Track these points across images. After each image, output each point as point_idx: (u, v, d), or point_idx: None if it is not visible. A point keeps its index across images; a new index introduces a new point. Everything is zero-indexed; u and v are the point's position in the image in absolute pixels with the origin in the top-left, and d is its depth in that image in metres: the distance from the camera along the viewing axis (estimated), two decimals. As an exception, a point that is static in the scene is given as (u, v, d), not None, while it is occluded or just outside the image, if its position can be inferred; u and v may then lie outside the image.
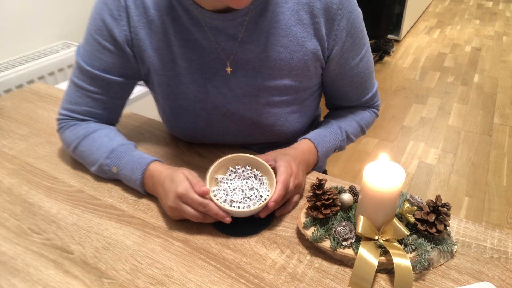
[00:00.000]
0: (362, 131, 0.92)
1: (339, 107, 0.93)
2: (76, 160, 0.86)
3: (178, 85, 0.80)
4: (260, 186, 0.71)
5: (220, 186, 0.71)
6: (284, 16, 0.74)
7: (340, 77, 0.83)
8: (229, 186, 0.70)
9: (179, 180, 0.68)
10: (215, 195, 0.68)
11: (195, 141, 0.91)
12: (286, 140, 0.89)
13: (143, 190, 0.76)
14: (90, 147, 0.80)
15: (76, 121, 0.84)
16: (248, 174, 0.72)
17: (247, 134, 0.85)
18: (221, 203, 0.66)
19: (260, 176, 0.72)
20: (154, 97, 0.90)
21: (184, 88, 0.80)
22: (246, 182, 0.71)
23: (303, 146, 0.80)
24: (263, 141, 0.87)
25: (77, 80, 0.81)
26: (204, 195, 0.66)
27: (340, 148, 0.87)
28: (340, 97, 0.90)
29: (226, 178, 0.72)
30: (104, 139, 0.80)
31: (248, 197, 0.68)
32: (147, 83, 0.87)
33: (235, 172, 0.73)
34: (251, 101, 0.80)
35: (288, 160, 0.72)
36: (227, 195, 0.69)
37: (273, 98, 0.80)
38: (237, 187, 0.70)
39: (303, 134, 0.91)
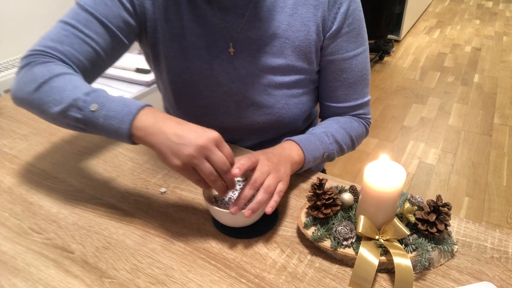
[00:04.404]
0: (351, 140, 0.86)
1: (330, 111, 0.90)
2: (77, 160, 0.86)
3: (184, 60, 0.81)
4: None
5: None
6: None
7: (329, 66, 0.83)
8: (226, 202, 0.69)
9: (209, 131, 0.60)
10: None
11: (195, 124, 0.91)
12: (284, 127, 0.89)
13: (129, 126, 0.61)
14: (65, 84, 0.65)
15: (53, 59, 0.70)
16: (243, 185, 0.72)
17: (246, 115, 0.86)
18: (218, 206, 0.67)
19: None
20: (157, 76, 0.91)
21: (189, 63, 0.81)
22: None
23: (283, 144, 0.77)
24: (261, 125, 0.87)
25: (68, 19, 0.73)
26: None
27: (329, 153, 0.81)
28: (329, 94, 0.88)
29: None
30: (86, 84, 0.67)
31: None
32: (152, 58, 0.86)
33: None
34: (253, 81, 0.82)
35: (266, 152, 0.70)
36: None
37: (275, 79, 0.81)
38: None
39: (301, 123, 0.92)
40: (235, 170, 0.61)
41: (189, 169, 0.59)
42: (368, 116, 0.91)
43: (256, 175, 0.64)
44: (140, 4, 0.79)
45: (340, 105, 0.88)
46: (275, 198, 0.64)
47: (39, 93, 0.66)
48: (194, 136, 0.58)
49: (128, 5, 0.77)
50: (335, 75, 0.84)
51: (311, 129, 0.84)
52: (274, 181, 0.64)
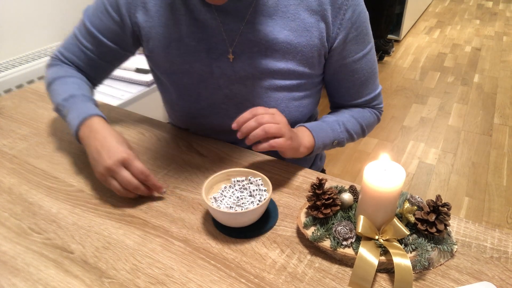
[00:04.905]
0: (362, 129, 0.91)
1: (341, 106, 0.93)
2: (77, 160, 0.86)
3: (183, 63, 0.82)
4: (255, 192, 0.70)
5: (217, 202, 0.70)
6: (294, 1, 0.77)
7: (341, 69, 0.84)
8: (226, 202, 0.69)
9: (126, 146, 0.73)
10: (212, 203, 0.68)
11: (194, 125, 0.92)
12: None
13: (76, 135, 0.77)
14: (59, 87, 0.84)
15: (62, 62, 0.91)
16: (243, 184, 0.72)
17: None
18: (217, 206, 0.67)
19: (257, 183, 0.71)
20: (156, 79, 0.92)
21: (188, 67, 0.82)
22: (241, 195, 0.70)
23: (296, 129, 0.81)
24: None
25: (76, 30, 0.89)
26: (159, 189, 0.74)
27: (339, 141, 0.86)
28: (342, 94, 0.90)
29: (221, 194, 0.71)
30: (74, 86, 0.84)
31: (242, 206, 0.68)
32: (150, 63, 0.89)
33: (231, 187, 0.72)
34: (254, 84, 0.82)
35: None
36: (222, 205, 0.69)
37: (276, 82, 0.82)
38: (232, 203, 0.69)
39: None
40: (234, 124, 0.70)
41: (105, 181, 0.71)
42: (381, 106, 0.94)
43: (266, 116, 0.70)
44: (132, 14, 0.81)
45: (354, 102, 0.90)
46: (265, 144, 0.69)
47: (48, 92, 0.88)
48: (105, 157, 0.69)
49: (116, 17, 0.82)
50: (347, 77, 0.85)
51: (323, 116, 0.89)
52: (276, 129, 0.69)
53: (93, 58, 0.88)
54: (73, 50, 0.89)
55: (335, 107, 0.95)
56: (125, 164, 0.70)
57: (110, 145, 0.71)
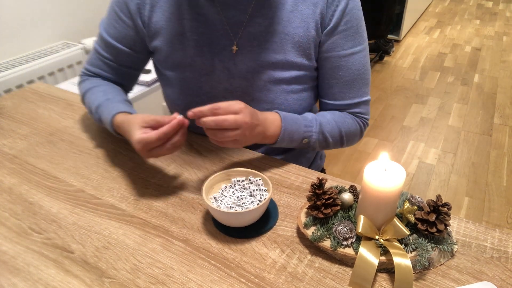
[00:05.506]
0: (340, 135, 0.86)
1: (327, 108, 0.90)
2: (76, 160, 0.86)
3: (186, 58, 0.83)
4: (255, 192, 0.70)
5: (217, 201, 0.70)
6: None
7: (325, 63, 0.84)
8: (226, 202, 0.69)
9: (138, 132, 0.70)
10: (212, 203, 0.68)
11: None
12: None
13: (113, 132, 0.82)
14: (89, 99, 0.89)
15: (90, 77, 0.94)
16: (243, 184, 0.72)
17: None
18: (218, 206, 0.67)
19: (257, 183, 0.72)
20: (159, 73, 0.92)
21: (190, 61, 0.83)
22: (241, 195, 0.70)
23: (268, 115, 0.79)
24: None
25: (96, 44, 0.92)
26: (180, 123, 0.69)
27: (310, 140, 0.82)
28: (325, 91, 0.88)
29: (221, 194, 0.71)
30: (99, 94, 0.87)
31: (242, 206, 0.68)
32: (155, 57, 0.90)
33: (231, 187, 0.72)
34: (254, 77, 0.83)
35: (254, 116, 0.73)
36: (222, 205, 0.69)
37: (275, 75, 0.82)
38: (232, 203, 0.69)
39: None
40: (190, 112, 0.68)
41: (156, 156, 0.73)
42: (366, 116, 0.90)
43: (227, 123, 0.68)
44: (142, 15, 0.83)
45: (336, 102, 0.87)
46: (213, 137, 0.70)
47: (84, 104, 0.93)
48: (132, 144, 0.71)
49: (129, 22, 0.84)
50: (331, 72, 0.84)
51: (306, 113, 0.86)
52: (232, 142, 0.71)
53: (116, 67, 0.91)
54: (97, 64, 0.92)
55: (323, 110, 0.91)
56: (144, 148, 0.69)
57: (130, 136, 0.72)
